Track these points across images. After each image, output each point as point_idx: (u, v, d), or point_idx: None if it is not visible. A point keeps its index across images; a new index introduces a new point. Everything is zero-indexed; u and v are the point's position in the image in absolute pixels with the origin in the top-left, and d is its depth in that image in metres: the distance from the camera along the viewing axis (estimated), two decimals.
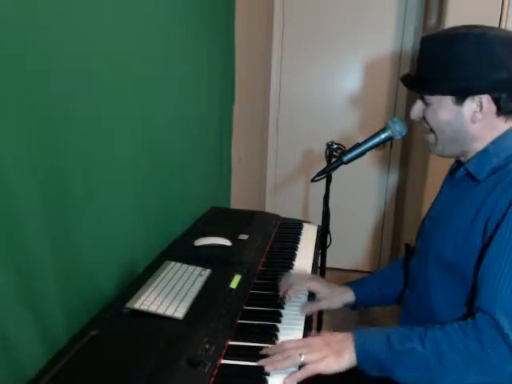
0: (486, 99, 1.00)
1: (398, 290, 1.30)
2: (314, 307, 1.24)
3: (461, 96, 1.01)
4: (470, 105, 1.01)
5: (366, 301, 1.32)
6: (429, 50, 1.06)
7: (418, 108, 1.09)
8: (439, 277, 1.06)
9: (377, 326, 1.02)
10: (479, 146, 1.05)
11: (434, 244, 1.08)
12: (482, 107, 1.00)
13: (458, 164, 1.15)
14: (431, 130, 1.08)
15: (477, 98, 1.00)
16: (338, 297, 1.29)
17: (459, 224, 1.02)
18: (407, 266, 1.23)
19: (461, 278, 1.01)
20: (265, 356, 0.96)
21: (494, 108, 1.01)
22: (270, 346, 1.01)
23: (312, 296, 1.29)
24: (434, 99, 1.04)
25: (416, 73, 1.09)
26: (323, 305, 1.27)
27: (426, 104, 1.06)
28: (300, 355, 0.94)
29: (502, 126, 1.03)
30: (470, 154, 1.07)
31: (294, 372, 0.93)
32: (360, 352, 0.95)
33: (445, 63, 1.02)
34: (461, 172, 1.08)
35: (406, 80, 1.13)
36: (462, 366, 0.90)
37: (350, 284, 1.33)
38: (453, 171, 1.16)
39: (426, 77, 1.06)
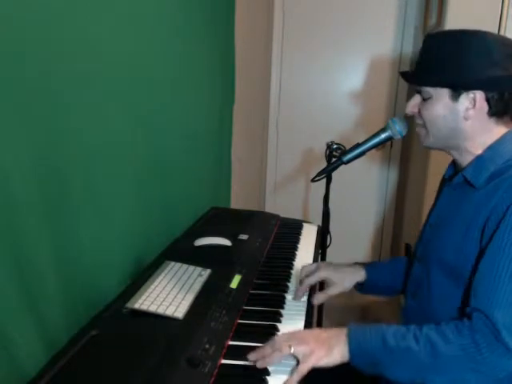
0: (479, 96, 1.02)
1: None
2: (326, 295, 1.25)
3: (457, 89, 1.03)
4: (464, 101, 1.03)
5: (375, 282, 1.32)
6: (430, 45, 1.09)
7: (414, 102, 1.11)
8: (442, 284, 1.06)
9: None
10: (472, 146, 1.06)
11: (436, 250, 1.08)
12: (475, 104, 1.02)
13: (454, 170, 1.16)
14: (423, 125, 1.10)
15: (471, 94, 1.02)
16: (349, 278, 1.30)
17: (458, 228, 1.02)
18: (408, 273, 1.23)
19: (462, 283, 1.01)
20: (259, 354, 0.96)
21: (486, 107, 1.03)
22: None
23: (321, 285, 1.30)
24: (431, 92, 1.06)
25: (416, 67, 1.11)
26: (334, 291, 1.27)
27: (424, 99, 1.08)
28: (290, 347, 0.93)
29: (493, 128, 1.05)
30: (466, 157, 1.08)
31: (289, 379, 0.91)
32: (353, 347, 0.95)
33: (444, 56, 1.04)
34: (458, 179, 1.09)
35: (406, 74, 1.16)
36: (457, 365, 0.91)
37: (362, 264, 1.34)
38: (449, 178, 1.16)
39: (426, 70, 1.08)
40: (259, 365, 0.93)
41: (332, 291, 1.27)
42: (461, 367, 0.91)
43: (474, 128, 1.05)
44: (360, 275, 1.31)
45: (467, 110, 1.03)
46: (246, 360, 0.96)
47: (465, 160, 1.08)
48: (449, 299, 1.04)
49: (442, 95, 1.05)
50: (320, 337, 0.97)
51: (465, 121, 1.04)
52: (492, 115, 1.03)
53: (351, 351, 0.95)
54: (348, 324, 0.99)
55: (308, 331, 1.01)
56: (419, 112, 1.10)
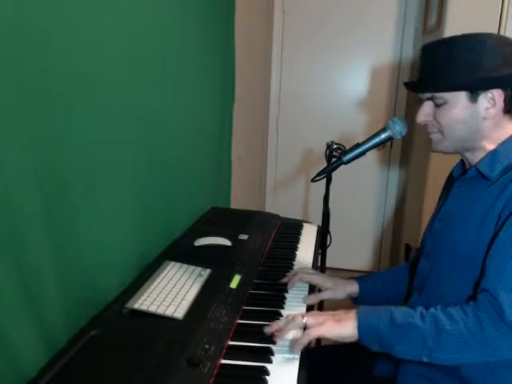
0: (497, 95, 1.03)
1: (402, 292, 1.30)
2: (318, 297, 1.30)
3: (476, 90, 1.03)
4: (483, 101, 1.04)
5: (369, 295, 1.35)
6: (436, 52, 1.08)
7: (426, 111, 1.10)
8: (456, 275, 1.07)
9: None
10: (486, 143, 1.07)
11: (449, 243, 1.09)
12: (494, 103, 1.03)
13: (463, 166, 1.17)
14: (439, 131, 1.09)
15: (489, 94, 1.03)
16: (342, 288, 1.34)
17: (473, 220, 1.04)
18: (414, 269, 1.23)
19: (476, 274, 1.02)
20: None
21: (502, 105, 1.04)
22: (270, 346, 1.01)
23: (313, 289, 1.34)
24: (447, 97, 1.05)
25: (425, 75, 1.10)
26: (326, 295, 1.32)
27: (437, 105, 1.07)
28: (302, 317, 1.01)
29: (507, 124, 1.06)
30: (478, 154, 1.09)
31: (298, 339, 0.99)
32: (362, 324, 0.99)
33: (456, 60, 1.04)
34: (472, 172, 1.10)
35: (413, 84, 1.15)
36: (460, 343, 0.93)
37: (356, 277, 1.37)
38: (460, 175, 1.17)
39: (438, 75, 1.07)
40: (276, 338, 1.01)
41: (323, 295, 1.32)
42: (465, 345, 0.93)
43: (490, 126, 1.06)
44: (353, 288, 1.34)
45: (487, 109, 1.04)
46: (246, 360, 0.96)
47: (476, 157, 1.09)
48: (462, 292, 1.05)
49: (459, 98, 1.05)
50: (331, 312, 1.04)
51: (483, 120, 1.05)
52: (506, 112, 1.05)
53: (360, 328, 0.99)
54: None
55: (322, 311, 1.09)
56: (435, 119, 1.09)
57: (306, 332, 0.99)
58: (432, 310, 0.98)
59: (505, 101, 1.03)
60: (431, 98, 1.08)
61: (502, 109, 1.04)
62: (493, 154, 1.06)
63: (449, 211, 1.15)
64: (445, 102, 1.06)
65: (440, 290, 1.10)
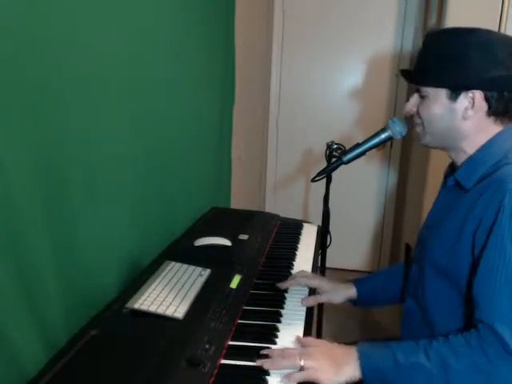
0: (478, 96, 1.01)
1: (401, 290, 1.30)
2: (316, 299, 1.28)
3: (455, 90, 1.02)
4: (463, 101, 1.02)
5: (368, 297, 1.34)
6: (431, 44, 1.07)
7: (413, 101, 1.10)
8: (436, 283, 1.06)
9: (378, 336, 1.01)
10: (466, 146, 1.05)
11: (429, 252, 1.08)
12: (474, 104, 1.01)
13: (451, 171, 1.15)
14: (421, 124, 1.09)
15: (470, 94, 1.01)
16: (340, 292, 1.33)
17: (450, 232, 1.02)
18: (407, 272, 1.23)
19: (455, 286, 1.01)
20: (265, 356, 0.95)
21: (485, 107, 1.02)
22: (270, 346, 1.01)
23: (313, 291, 1.32)
24: (429, 92, 1.05)
25: (415, 66, 1.11)
26: (324, 298, 1.31)
27: (422, 97, 1.08)
28: (300, 359, 0.93)
29: (490, 128, 1.03)
30: (460, 156, 1.07)
31: (294, 372, 0.92)
32: (365, 368, 0.94)
33: (445, 56, 1.03)
34: (451, 181, 1.09)
35: (405, 73, 1.15)
36: (468, 378, 0.90)
37: (354, 280, 1.36)
38: (446, 176, 1.17)
39: (425, 69, 1.07)
40: (265, 366, 0.92)
41: (321, 298, 1.30)
42: (473, 380, 0.90)
43: (471, 128, 1.03)
44: (352, 292, 1.33)
45: (466, 109, 1.02)
46: (246, 360, 0.96)
47: (459, 160, 1.08)
48: (443, 298, 1.05)
49: (439, 95, 1.04)
50: (331, 354, 0.97)
51: (463, 120, 1.03)
52: (491, 115, 1.02)
53: (362, 368, 0.94)
54: (349, 330, 1.00)
55: (320, 346, 0.99)
56: (417, 111, 1.09)
57: (303, 372, 0.92)
58: (435, 344, 0.93)
59: (487, 102, 1.00)
60: (418, 90, 1.08)
61: (486, 111, 1.01)
62: (469, 161, 1.04)
63: (433, 217, 1.14)
64: (427, 96, 1.06)
65: (426, 297, 1.09)
